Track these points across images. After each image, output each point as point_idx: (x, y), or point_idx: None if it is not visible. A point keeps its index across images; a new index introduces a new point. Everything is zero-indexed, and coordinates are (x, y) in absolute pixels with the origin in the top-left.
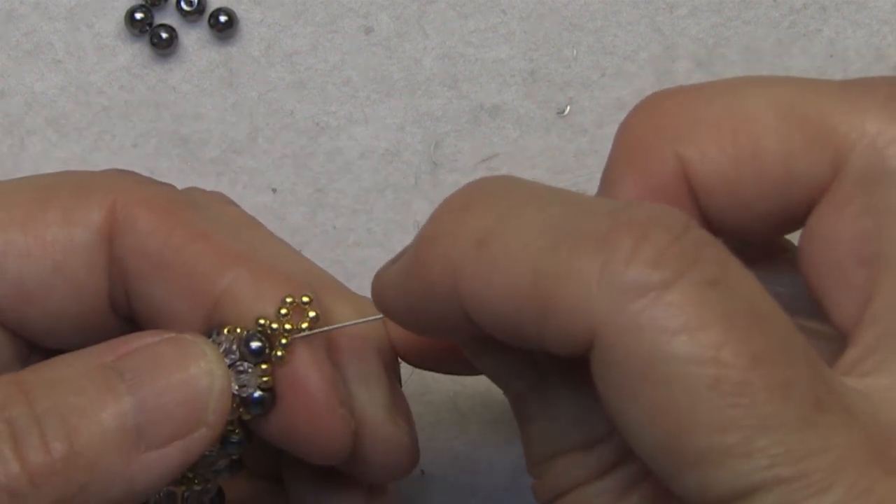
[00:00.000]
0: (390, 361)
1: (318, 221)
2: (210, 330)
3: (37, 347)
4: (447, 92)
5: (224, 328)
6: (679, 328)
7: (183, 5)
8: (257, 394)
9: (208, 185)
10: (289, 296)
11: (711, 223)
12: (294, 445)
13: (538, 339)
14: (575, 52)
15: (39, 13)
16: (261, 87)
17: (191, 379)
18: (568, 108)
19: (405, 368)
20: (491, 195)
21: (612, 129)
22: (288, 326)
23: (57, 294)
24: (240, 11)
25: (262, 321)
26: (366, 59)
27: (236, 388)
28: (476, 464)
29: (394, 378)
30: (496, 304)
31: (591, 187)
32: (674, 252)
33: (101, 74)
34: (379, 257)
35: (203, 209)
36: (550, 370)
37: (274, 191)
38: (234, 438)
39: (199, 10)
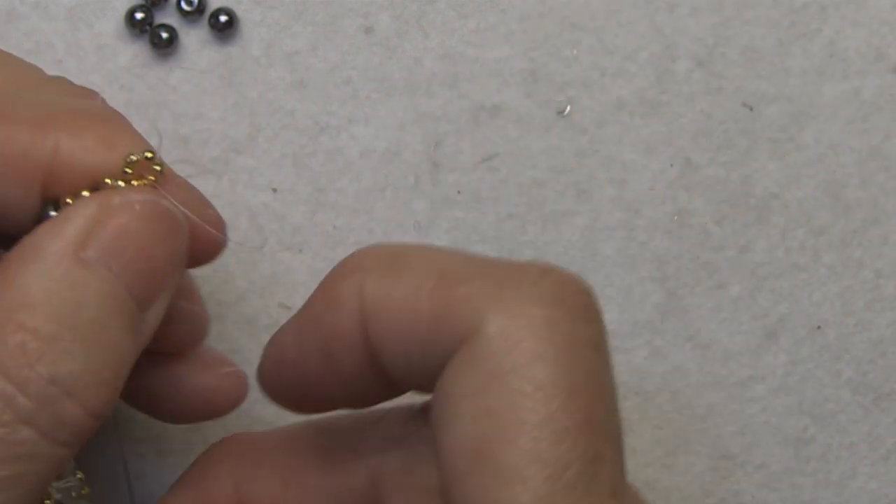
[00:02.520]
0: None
1: (318, 221)
2: (45, 205)
3: None
4: (447, 92)
5: (66, 199)
6: (549, 358)
7: (183, 5)
8: None
9: (208, 185)
10: (132, 154)
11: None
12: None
13: (423, 344)
14: (575, 52)
15: (39, 13)
16: (261, 87)
17: (167, 235)
18: (568, 108)
19: None
20: (403, 243)
21: (612, 129)
22: (136, 183)
23: None
24: (240, 11)
25: (108, 180)
26: (366, 59)
27: None
28: None
29: None
30: (395, 307)
31: (592, 187)
32: (576, 300)
33: (101, 74)
34: None
35: None
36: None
37: (274, 191)
38: None
39: (199, 10)
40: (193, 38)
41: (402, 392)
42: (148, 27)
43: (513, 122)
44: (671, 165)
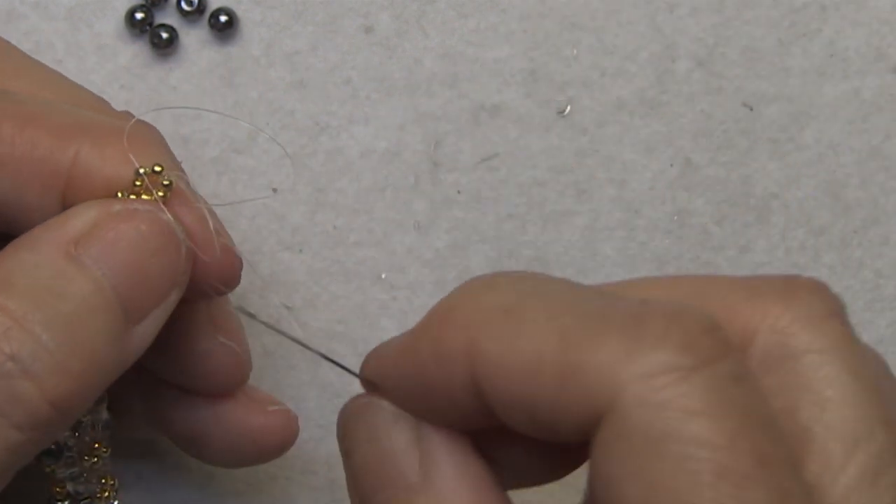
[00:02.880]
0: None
1: (318, 221)
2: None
3: None
4: (447, 92)
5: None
6: (698, 411)
7: (183, 5)
8: None
9: (208, 185)
10: (141, 167)
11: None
12: (197, 288)
13: (549, 410)
14: (575, 51)
15: (39, 13)
16: (261, 87)
17: (163, 248)
18: (568, 107)
19: None
20: (514, 277)
21: (612, 129)
22: (146, 197)
23: None
24: (240, 11)
25: (120, 195)
26: (366, 59)
27: None
28: None
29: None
30: (514, 370)
31: (592, 187)
32: (704, 342)
33: (102, 74)
34: (379, 257)
35: (7, 94)
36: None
37: (274, 191)
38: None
39: (199, 10)
40: (193, 38)
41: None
42: (148, 27)
43: (513, 122)
44: (671, 165)
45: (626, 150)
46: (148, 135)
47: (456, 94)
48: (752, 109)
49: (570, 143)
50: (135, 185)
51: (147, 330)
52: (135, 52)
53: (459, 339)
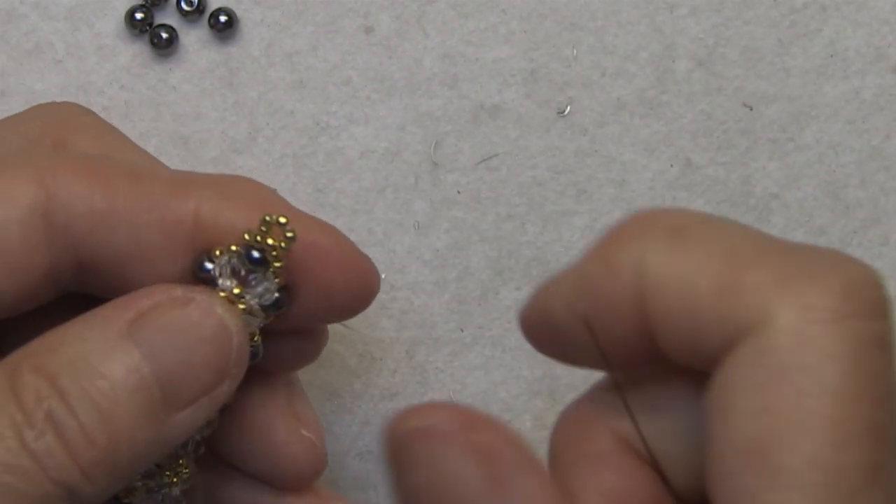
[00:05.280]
0: None
1: None
2: (200, 257)
3: None
4: (447, 92)
5: (215, 251)
6: (838, 356)
7: (183, 5)
8: (276, 295)
9: None
10: (266, 214)
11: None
12: (331, 307)
13: (701, 325)
14: (575, 52)
15: (39, 13)
16: (261, 87)
17: (211, 339)
18: (568, 108)
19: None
20: (684, 209)
21: (612, 129)
22: (271, 241)
23: None
24: (240, 11)
25: (247, 236)
26: (366, 59)
27: (256, 301)
28: None
29: None
30: (676, 284)
31: (592, 187)
32: (866, 295)
33: (101, 74)
34: (379, 257)
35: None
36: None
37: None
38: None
39: (199, 10)
40: (193, 38)
41: (670, 362)
42: (148, 27)
43: (513, 122)
44: (671, 165)
45: (626, 150)
46: (266, 189)
47: (456, 95)
48: (752, 109)
49: (570, 143)
50: (260, 231)
51: (192, 417)
52: (135, 52)
53: (630, 253)
